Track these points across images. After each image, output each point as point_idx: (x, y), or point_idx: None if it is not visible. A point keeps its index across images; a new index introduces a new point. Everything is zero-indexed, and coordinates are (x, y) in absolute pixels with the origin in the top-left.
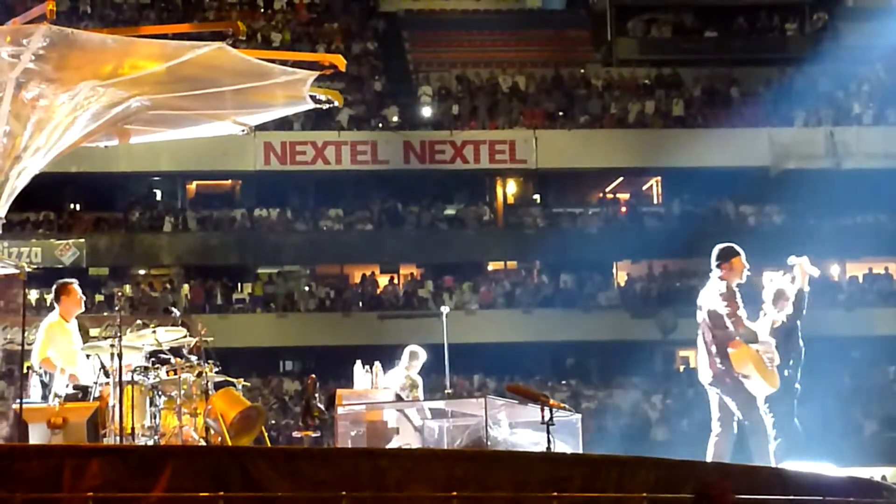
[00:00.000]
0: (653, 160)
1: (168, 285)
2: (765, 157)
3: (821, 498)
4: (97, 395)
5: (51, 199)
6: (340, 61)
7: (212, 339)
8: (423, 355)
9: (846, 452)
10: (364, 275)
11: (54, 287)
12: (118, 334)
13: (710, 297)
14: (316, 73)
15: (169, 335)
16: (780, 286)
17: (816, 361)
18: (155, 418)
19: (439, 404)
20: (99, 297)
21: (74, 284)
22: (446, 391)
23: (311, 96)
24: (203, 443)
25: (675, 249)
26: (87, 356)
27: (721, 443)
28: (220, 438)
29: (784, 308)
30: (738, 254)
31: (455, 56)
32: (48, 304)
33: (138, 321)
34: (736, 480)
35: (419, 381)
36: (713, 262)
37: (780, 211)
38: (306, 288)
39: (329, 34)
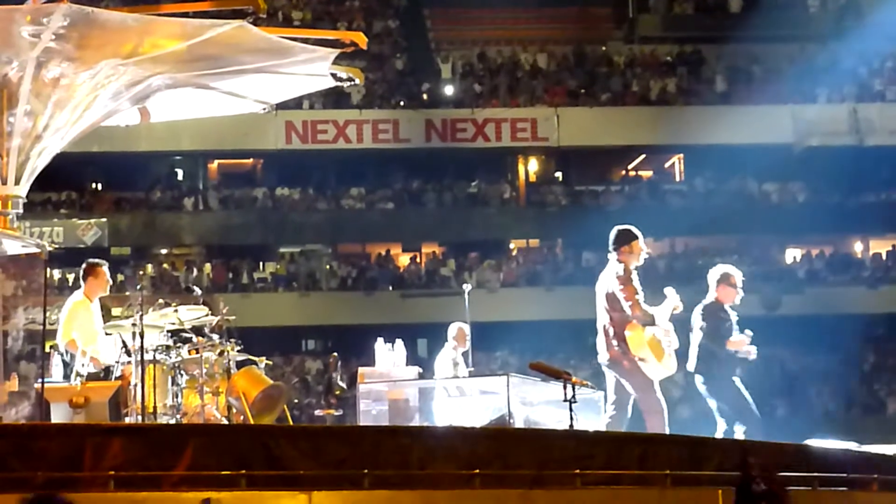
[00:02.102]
0: (675, 137)
1: (190, 264)
2: (788, 134)
3: (845, 475)
4: (119, 374)
5: (72, 178)
6: (361, 39)
7: (234, 318)
8: (468, 331)
9: (869, 430)
10: (386, 253)
11: (83, 266)
12: (140, 313)
13: (608, 279)
14: (337, 51)
15: (191, 314)
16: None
17: (840, 339)
18: (177, 397)
19: (462, 382)
20: (121, 277)
21: (104, 266)
22: (469, 369)
23: (332, 74)
24: (225, 421)
25: (697, 227)
26: (108, 334)
27: (614, 424)
28: (242, 417)
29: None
30: (636, 237)
31: (476, 34)
32: (70, 284)
33: (160, 300)
34: (761, 457)
35: (461, 359)
36: (611, 245)
37: (803, 188)
38: (328, 267)
39: (350, 12)
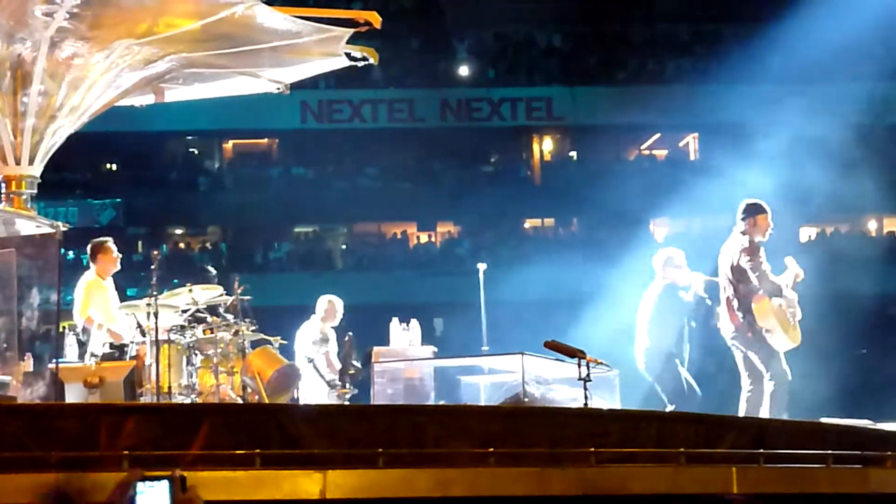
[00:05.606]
0: (690, 116)
1: (205, 244)
2: (805, 113)
3: (859, 452)
4: (134, 354)
5: (87, 158)
6: (376, 18)
7: (248, 297)
8: (340, 307)
9: (884, 409)
10: (402, 232)
11: (90, 246)
12: (155, 293)
13: (733, 251)
14: (351, 31)
15: (206, 294)
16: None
17: (855, 318)
18: (192, 377)
19: (476, 361)
20: (136, 257)
21: (110, 242)
22: (483, 348)
23: (346, 54)
24: (240, 401)
25: (712, 206)
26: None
27: (754, 397)
28: (256, 396)
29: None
30: (764, 211)
31: (492, 13)
32: (85, 264)
33: (175, 280)
34: (776, 434)
35: (332, 335)
36: (738, 216)
37: (817, 167)
38: (343, 246)
39: None
